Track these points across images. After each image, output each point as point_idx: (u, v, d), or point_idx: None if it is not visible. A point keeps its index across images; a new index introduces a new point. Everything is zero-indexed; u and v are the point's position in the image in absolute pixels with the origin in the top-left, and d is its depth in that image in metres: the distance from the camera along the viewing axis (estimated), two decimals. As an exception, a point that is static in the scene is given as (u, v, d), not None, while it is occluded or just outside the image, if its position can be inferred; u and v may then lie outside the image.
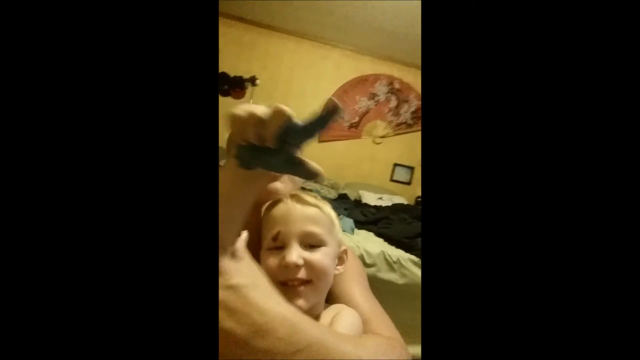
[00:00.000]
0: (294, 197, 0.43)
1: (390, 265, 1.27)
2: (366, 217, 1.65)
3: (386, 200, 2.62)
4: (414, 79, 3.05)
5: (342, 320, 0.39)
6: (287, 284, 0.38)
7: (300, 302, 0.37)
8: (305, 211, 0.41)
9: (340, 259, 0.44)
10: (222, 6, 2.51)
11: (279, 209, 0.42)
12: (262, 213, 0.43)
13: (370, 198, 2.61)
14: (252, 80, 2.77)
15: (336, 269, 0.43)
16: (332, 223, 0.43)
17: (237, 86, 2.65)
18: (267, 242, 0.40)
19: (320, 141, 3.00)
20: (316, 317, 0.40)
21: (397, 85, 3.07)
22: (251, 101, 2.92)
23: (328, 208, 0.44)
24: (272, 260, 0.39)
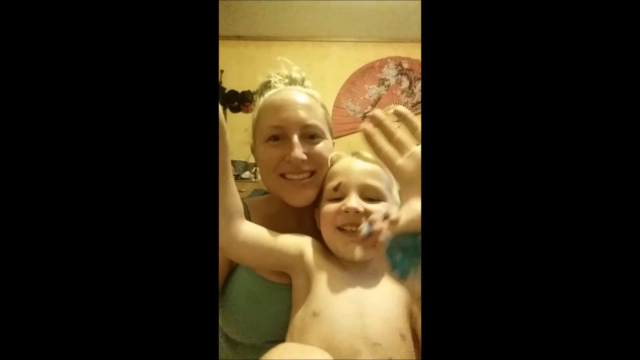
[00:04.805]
0: (355, 154, 0.47)
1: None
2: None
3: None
4: (423, 54, 2.86)
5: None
6: (344, 229, 0.41)
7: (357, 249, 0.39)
8: (365, 166, 0.44)
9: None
10: (220, 29, 2.65)
11: (341, 164, 0.46)
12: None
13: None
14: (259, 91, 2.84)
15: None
16: (392, 182, 0.44)
17: (246, 100, 2.73)
18: (328, 193, 0.44)
19: (335, 137, 2.92)
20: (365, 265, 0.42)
21: (406, 65, 2.89)
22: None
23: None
24: (331, 206, 0.42)
